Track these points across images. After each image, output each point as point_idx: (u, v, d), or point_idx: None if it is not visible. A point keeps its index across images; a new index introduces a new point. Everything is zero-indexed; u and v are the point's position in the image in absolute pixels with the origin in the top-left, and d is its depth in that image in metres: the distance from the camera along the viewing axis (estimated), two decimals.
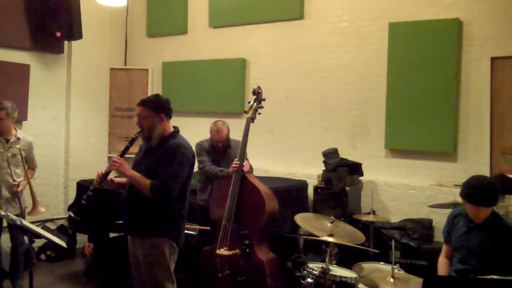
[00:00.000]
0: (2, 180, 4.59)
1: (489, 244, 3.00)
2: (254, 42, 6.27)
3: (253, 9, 6.19)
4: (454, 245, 3.21)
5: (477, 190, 2.96)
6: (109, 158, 7.04)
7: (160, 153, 3.20)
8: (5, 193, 4.59)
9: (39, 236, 3.31)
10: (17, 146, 4.63)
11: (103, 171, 3.23)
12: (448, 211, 4.41)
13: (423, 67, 5.08)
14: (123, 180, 3.33)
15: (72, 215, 3.22)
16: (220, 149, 4.66)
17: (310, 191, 5.44)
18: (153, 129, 3.23)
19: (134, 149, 3.38)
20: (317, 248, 4.92)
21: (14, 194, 4.59)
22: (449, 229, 3.28)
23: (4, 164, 4.58)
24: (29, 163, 4.81)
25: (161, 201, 3.14)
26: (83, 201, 3.16)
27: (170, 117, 3.32)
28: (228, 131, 4.66)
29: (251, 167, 4.41)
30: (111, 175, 3.27)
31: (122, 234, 4.66)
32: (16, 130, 4.73)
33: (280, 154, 6.06)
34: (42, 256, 5.82)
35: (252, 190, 4.01)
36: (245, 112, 4.27)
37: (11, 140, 4.64)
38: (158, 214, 3.16)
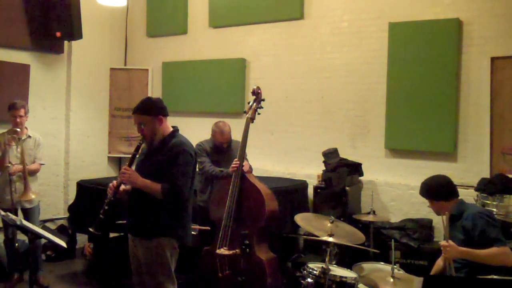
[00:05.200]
0: (15, 175, 4.71)
1: (458, 239, 3.00)
2: (254, 42, 6.27)
3: (253, 9, 6.19)
4: None
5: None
6: (109, 158, 7.07)
7: (163, 154, 3.20)
8: (20, 187, 4.73)
9: (39, 236, 3.32)
10: (32, 138, 4.81)
11: (115, 184, 3.24)
12: None
13: (423, 67, 5.08)
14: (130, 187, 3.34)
15: (93, 231, 3.23)
16: (224, 150, 4.67)
17: (310, 191, 5.44)
18: (155, 133, 3.24)
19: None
20: (317, 248, 4.92)
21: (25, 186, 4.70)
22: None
23: (17, 161, 4.69)
24: (36, 160, 4.93)
25: (174, 203, 3.15)
26: (101, 216, 3.19)
27: (167, 115, 3.33)
28: (230, 130, 4.67)
29: (250, 167, 4.42)
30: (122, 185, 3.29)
31: (122, 234, 4.66)
32: (27, 128, 4.89)
33: (280, 154, 6.06)
34: (42, 256, 5.82)
35: (252, 190, 4.01)
36: (245, 112, 4.27)
37: (23, 138, 4.81)
38: (162, 214, 3.16)
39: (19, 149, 4.73)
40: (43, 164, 5.00)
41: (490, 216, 3.04)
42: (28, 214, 4.85)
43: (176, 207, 3.20)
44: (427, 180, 3.31)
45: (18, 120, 4.75)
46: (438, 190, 3.20)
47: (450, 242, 2.89)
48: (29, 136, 4.87)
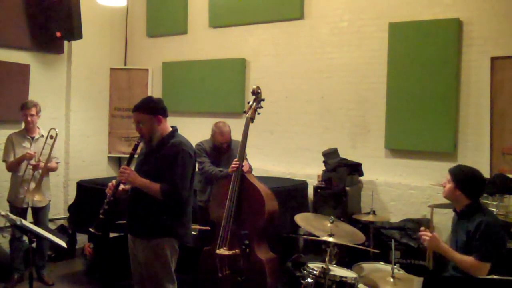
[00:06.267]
0: (29, 174, 4.79)
1: (461, 240, 2.96)
2: (254, 42, 6.27)
3: (253, 9, 6.19)
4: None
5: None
6: (109, 158, 7.08)
7: (162, 154, 3.21)
8: (33, 185, 4.79)
9: (39, 236, 3.32)
10: (44, 137, 4.87)
11: (114, 183, 3.24)
12: (448, 211, 4.43)
13: (423, 67, 5.08)
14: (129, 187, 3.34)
15: (93, 231, 3.23)
16: (224, 150, 4.67)
17: (310, 191, 5.44)
18: (153, 133, 3.25)
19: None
20: (317, 248, 4.91)
21: (39, 185, 4.77)
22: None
23: (32, 161, 4.75)
24: (53, 159, 4.98)
25: (173, 203, 3.16)
26: (101, 216, 3.21)
27: (166, 116, 3.33)
28: (230, 130, 4.67)
29: (250, 167, 4.42)
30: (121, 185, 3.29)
31: (122, 234, 4.66)
32: (39, 128, 4.97)
33: (280, 154, 6.06)
34: None
35: (251, 190, 4.01)
36: (245, 112, 4.28)
37: (36, 137, 4.91)
38: (162, 214, 3.17)
39: (33, 148, 4.80)
40: (58, 162, 5.09)
41: (496, 233, 2.89)
42: (39, 213, 4.92)
43: (176, 207, 3.21)
44: (467, 167, 3.08)
45: (29, 119, 4.82)
46: (469, 183, 2.98)
47: (435, 234, 2.93)
48: (42, 135, 4.94)
